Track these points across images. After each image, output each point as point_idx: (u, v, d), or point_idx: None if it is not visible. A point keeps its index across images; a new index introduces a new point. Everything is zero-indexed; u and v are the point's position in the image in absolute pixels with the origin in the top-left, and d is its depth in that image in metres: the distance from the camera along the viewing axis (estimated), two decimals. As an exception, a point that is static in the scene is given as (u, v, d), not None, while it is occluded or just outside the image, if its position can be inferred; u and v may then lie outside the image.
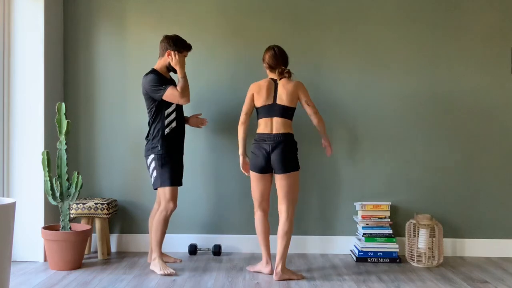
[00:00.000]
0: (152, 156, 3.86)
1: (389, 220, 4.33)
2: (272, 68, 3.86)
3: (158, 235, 3.83)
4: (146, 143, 3.94)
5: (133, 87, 4.53)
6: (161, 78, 3.86)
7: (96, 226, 4.23)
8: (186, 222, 4.52)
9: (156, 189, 3.91)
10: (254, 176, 3.83)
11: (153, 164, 3.85)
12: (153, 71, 3.92)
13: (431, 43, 4.48)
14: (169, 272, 3.75)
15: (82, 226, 4.13)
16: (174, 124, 3.89)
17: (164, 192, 3.82)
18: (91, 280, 3.65)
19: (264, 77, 3.96)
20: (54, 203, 4.00)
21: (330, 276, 3.82)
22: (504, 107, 4.49)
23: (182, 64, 3.86)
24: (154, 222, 3.85)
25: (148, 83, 3.84)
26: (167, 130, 3.85)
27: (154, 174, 3.85)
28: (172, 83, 3.95)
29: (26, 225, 4.08)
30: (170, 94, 3.78)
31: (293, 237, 4.37)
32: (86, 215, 4.21)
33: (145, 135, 4.03)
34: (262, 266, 3.87)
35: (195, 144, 4.51)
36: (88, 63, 4.53)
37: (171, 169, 3.83)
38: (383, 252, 4.23)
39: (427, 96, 4.49)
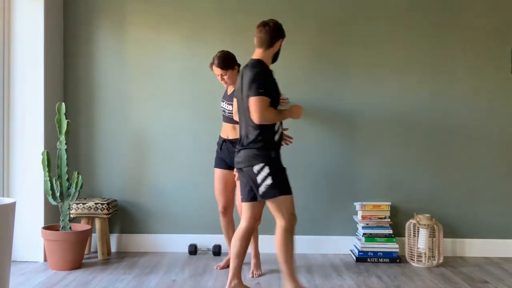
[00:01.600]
0: (261, 164, 3.15)
1: (389, 220, 4.33)
2: None
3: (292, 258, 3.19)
4: (243, 150, 3.22)
5: (133, 87, 4.53)
6: (265, 75, 3.17)
7: (96, 226, 4.23)
8: (186, 222, 4.52)
9: (269, 198, 3.17)
10: None
11: (266, 171, 3.14)
12: (261, 63, 3.23)
13: (430, 44, 4.48)
14: None
15: (82, 226, 4.13)
16: (280, 129, 3.30)
17: (285, 201, 3.17)
18: (91, 280, 3.65)
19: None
20: (54, 203, 4.00)
21: (330, 276, 3.82)
22: (504, 107, 4.49)
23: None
24: (281, 243, 3.16)
25: (253, 75, 3.15)
26: (277, 137, 3.23)
27: (269, 182, 3.14)
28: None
29: (26, 225, 4.08)
30: (259, 101, 3.08)
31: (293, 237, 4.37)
32: (86, 215, 4.21)
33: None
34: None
35: (195, 145, 4.52)
36: (88, 63, 4.52)
37: (286, 177, 3.23)
38: (383, 252, 4.23)
39: (427, 96, 4.49)
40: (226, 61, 3.74)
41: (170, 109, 4.52)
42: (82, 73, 4.52)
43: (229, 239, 4.07)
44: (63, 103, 4.07)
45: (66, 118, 4.03)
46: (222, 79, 3.80)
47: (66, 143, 4.04)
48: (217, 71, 3.77)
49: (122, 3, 4.51)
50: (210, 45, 4.48)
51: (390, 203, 4.36)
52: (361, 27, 4.49)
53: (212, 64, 3.80)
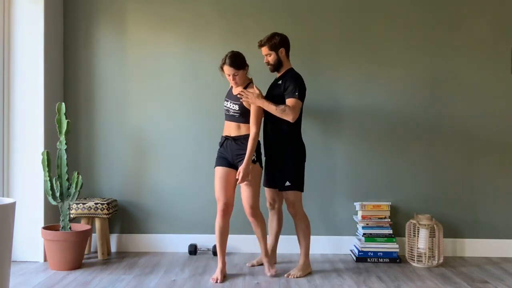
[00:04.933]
0: None
1: (389, 220, 4.33)
2: None
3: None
4: None
5: (133, 87, 4.53)
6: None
7: (96, 226, 4.23)
8: (186, 222, 4.52)
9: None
10: None
11: None
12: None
13: (431, 43, 4.48)
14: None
15: (82, 226, 4.13)
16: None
17: None
18: (91, 280, 3.65)
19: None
20: (54, 203, 4.00)
21: (330, 276, 3.82)
22: (504, 107, 4.49)
23: None
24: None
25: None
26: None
27: None
28: None
29: (26, 225, 4.08)
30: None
31: (293, 237, 4.37)
32: (86, 215, 4.21)
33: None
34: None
35: (196, 145, 4.52)
36: (88, 63, 4.52)
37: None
38: (383, 252, 4.23)
39: (427, 96, 4.50)
40: (239, 61, 3.72)
41: (170, 109, 4.52)
42: (82, 73, 4.53)
43: (224, 244, 3.80)
44: (63, 103, 4.07)
45: (66, 118, 4.03)
46: (234, 79, 3.73)
47: (66, 143, 4.04)
48: (230, 71, 3.70)
49: (122, 3, 4.51)
50: (210, 45, 4.49)
51: (390, 203, 4.36)
52: (361, 27, 4.49)
53: (224, 64, 3.72)
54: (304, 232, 3.85)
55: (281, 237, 4.16)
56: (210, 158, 4.39)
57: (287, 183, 3.78)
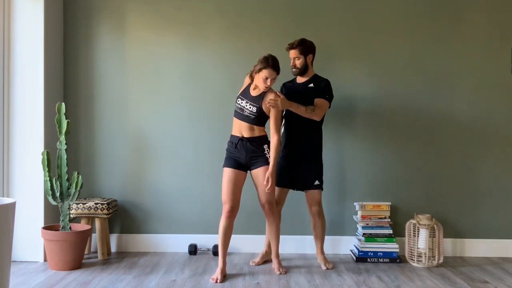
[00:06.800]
0: None
1: (389, 220, 4.33)
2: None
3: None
4: None
5: (133, 87, 4.53)
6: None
7: (96, 226, 4.23)
8: (186, 222, 4.52)
9: None
10: None
11: None
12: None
13: (430, 43, 4.48)
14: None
15: (82, 226, 4.13)
16: (282, 129, 4.05)
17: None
18: (91, 280, 3.65)
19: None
20: (54, 203, 4.00)
21: (330, 276, 3.82)
22: (504, 107, 4.49)
23: None
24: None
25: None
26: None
27: None
28: None
29: (26, 225, 4.08)
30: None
31: (293, 237, 4.39)
32: (86, 215, 4.21)
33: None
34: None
35: (195, 145, 4.52)
36: (88, 63, 4.52)
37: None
38: (383, 252, 4.23)
39: (428, 96, 4.50)
40: (279, 65, 3.72)
41: (170, 109, 4.52)
42: (82, 73, 4.53)
43: (226, 245, 3.82)
44: (63, 103, 4.07)
45: (66, 118, 4.03)
46: (270, 82, 3.69)
47: (66, 143, 4.04)
48: (273, 75, 3.66)
49: (122, 3, 4.51)
50: (210, 45, 4.49)
51: (390, 203, 4.36)
52: (361, 27, 4.49)
53: (267, 67, 3.64)
54: (323, 230, 4.03)
55: (280, 237, 4.16)
56: (210, 157, 4.40)
57: (317, 182, 3.92)
